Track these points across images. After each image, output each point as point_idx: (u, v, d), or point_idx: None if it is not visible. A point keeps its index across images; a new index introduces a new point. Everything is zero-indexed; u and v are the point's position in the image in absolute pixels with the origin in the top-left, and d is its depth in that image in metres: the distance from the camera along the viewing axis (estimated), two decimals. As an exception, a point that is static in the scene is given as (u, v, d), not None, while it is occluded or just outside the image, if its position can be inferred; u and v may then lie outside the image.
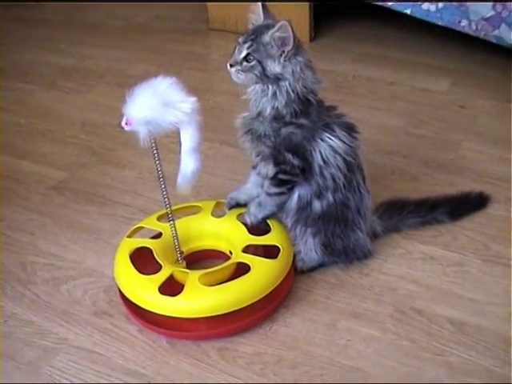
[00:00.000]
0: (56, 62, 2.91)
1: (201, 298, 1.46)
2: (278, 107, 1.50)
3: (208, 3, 3.08)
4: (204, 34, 3.12)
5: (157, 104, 1.34)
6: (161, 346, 1.49)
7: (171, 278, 1.51)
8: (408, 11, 2.55)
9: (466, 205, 1.83)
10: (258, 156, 1.60)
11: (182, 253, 1.61)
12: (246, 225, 1.65)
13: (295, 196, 1.60)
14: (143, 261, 1.57)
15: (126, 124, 1.36)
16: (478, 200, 1.85)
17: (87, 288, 1.66)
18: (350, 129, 1.58)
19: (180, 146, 1.41)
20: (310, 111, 1.53)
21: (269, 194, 1.62)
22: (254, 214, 1.64)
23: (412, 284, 1.61)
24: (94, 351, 1.49)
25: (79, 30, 3.26)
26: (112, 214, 1.91)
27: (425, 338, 1.47)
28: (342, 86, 2.55)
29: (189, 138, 1.40)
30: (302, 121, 1.52)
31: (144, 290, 1.49)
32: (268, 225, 1.64)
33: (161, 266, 1.53)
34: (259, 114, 1.53)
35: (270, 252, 1.57)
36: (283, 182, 1.58)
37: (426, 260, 1.68)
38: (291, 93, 1.49)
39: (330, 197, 1.57)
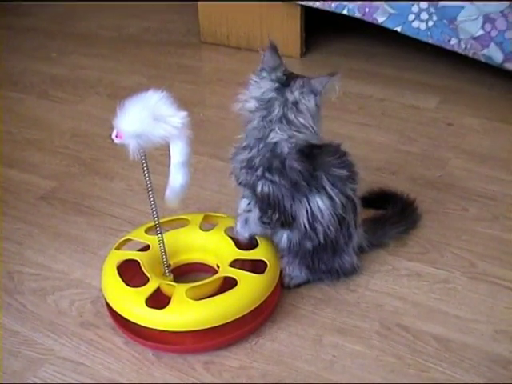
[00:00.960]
0: (47, 72, 2.91)
1: (187, 312, 1.46)
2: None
3: (200, 16, 3.09)
4: (196, 47, 3.13)
5: (147, 118, 1.35)
6: (147, 359, 1.48)
7: (158, 290, 1.51)
8: (398, 29, 2.57)
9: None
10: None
11: (169, 266, 1.61)
12: (233, 239, 1.65)
13: (284, 237, 1.61)
14: (131, 273, 1.57)
15: (117, 137, 1.36)
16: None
17: (74, 299, 1.66)
18: (345, 179, 1.57)
19: (169, 159, 1.41)
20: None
21: (255, 223, 1.63)
22: (241, 232, 1.65)
23: (398, 300, 1.62)
24: (79, 362, 1.48)
25: (71, 40, 3.27)
26: (100, 225, 1.91)
27: (410, 355, 1.47)
28: (332, 101, 2.55)
29: (178, 152, 1.40)
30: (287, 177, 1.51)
31: (131, 303, 1.49)
32: (255, 239, 1.65)
33: (148, 279, 1.53)
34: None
35: (257, 267, 1.57)
36: (266, 223, 1.60)
37: (412, 277, 1.69)
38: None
39: (320, 238, 1.57)
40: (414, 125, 2.37)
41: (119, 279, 1.53)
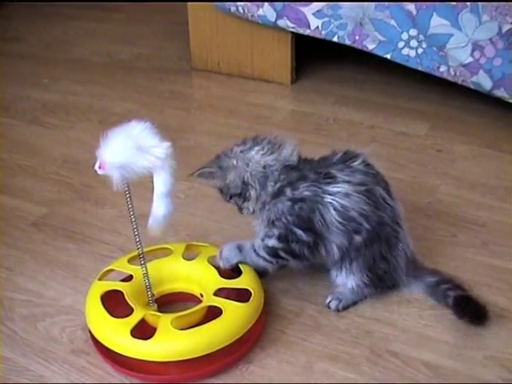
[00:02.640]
0: (38, 98, 2.92)
1: (173, 342, 1.47)
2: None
3: (191, 43, 3.11)
4: (187, 74, 3.14)
5: (130, 148, 1.36)
6: (137, 386, 1.49)
7: (143, 321, 1.51)
8: (388, 56, 2.59)
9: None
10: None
11: (153, 295, 1.61)
12: (217, 268, 1.66)
13: (334, 249, 1.62)
14: (114, 303, 1.57)
15: (100, 168, 1.37)
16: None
17: (65, 325, 1.66)
18: (350, 160, 1.64)
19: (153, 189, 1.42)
20: (305, 173, 1.58)
21: (257, 254, 1.64)
22: (228, 258, 1.65)
23: (388, 327, 1.62)
24: (70, 389, 1.48)
25: (62, 66, 3.28)
26: (91, 251, 1.92)
27: (400, 381, 1.47)
28: (323, 128, 2.57)
29: (162, 183, 1.41)
30: (302, 189, 1.57)
31: (116, 334, 1.50)
32: (238, 268, 1.65)
33: (132, 309, 1.53)
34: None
35: (241, 295, 1.57)
36: (279, 256, 1.61)
37: (401, 303, 1.69)
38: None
39: (365, 225, 1.58)
40: (404, 151, 2.38)
41: (103, 310, 1.53)
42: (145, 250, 1.60)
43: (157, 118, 2.68)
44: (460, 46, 2.41)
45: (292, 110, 2.84)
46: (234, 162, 1.58)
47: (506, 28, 2.32)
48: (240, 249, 1.65)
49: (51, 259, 1.89)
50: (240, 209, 1.66)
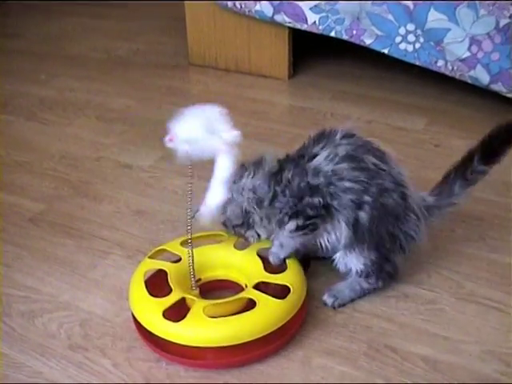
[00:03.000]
0: (36, 94, 2.92)
1: (198, 328, 1.48)
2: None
3: (189, 38, 3.11)
4: (184, 69, 3.14)
5: (201, 127, 1.41)
6: (135, 381, 1.48)
7: (181, 303, 1.53)
8: (386, 51, 2.59)
9: (496, 141, 1.72)
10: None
11: (198, 280, 1.62)
12: (264, 260, 1.66)
13: (342, 226, 1.61)
14: (157, 283, 1.60)
15: (170, 140, 1.40)
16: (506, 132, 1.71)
17: (62, 321, 1.65)
18: (330, 136, 1.62)
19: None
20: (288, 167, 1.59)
21: (291, 237, 1.63)
22: (277, 253, 1.65)
23: (386, 322, 1.62)
24: (68, 385, 1.48)
25: (60, 62, 3.28)
26: (89, 247, 1.91)
27: (398, 376, 1.47)
28: (320, 123, 2.57)
29: (223, 168, 1.44)
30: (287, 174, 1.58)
31: (148, 312, 1.52)
32: (285, 263, 1.65)
33: (171, 290, 1.54)
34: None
35: (280, 291, 1.57)
36: (305, 226, 1.60)
37: (399, 298, 1.69)
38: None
39: (366, 197, 1.58)
40: (402, 146, 2.38)
41: (143, 288, 1.55)
42: (198, 234, 1.63)
43: (154, 113, 2.68)
44: (457, 41, 2.41)
45: (289, 105, 2.84)
46: (230, 196, 1.58)
47: (503, 22, 2.32)
48: (281, 244, 1.65)
49: (49, 255, 1.89)
50: (245, 239, 1.67)
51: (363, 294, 1.69)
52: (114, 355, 1.54)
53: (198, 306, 1.50)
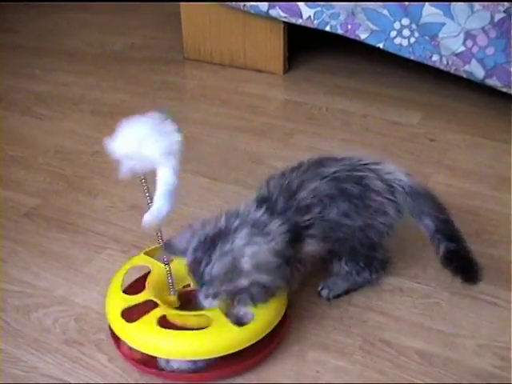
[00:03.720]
0: (31, 89, 2.91)
1: (142, 333, 1.44)
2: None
3: (183, 33, 3.11)
4: (179, 64, 3.14)
5: (136, 141, 1.37)
6: (131, 376, 1.48)
7: (147, 304, 1.49)
8: (381, 45, 2.59)
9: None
10: None
11: (186, 286, 1.59)
12: None
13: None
14: (138, 280, 1.61)
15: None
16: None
17: (58, 316, 1.65)
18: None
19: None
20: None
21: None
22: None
23: (381, 316, 1.63)
24: (63, 380, 1.48)
25: (55, 57, 3.27)
26: (84, 242, 1.91)
27: (393, 370, 1.48)
28: (316, 118, 2.57)
29: (164, 181, 1.39)
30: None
31: (110, 308, 1.51)
32: None
33: (143, 289, 1.53)
34: None
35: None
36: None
37: (394, 292, 1.70)
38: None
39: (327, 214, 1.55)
40: (397, 141, 2.38)
41: (119, 282, 1.55)
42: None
43: (149, 108, 2.67)
44: (452, 35, 2.41)
45: (284, 99, 2.84)
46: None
47: (498, 17, 2.32)
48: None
49: (44, 250, 1.89)
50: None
51: (358, 286, 1.69)
52: (109, 350, 1.54)
53: (156, 312, 1.46)
